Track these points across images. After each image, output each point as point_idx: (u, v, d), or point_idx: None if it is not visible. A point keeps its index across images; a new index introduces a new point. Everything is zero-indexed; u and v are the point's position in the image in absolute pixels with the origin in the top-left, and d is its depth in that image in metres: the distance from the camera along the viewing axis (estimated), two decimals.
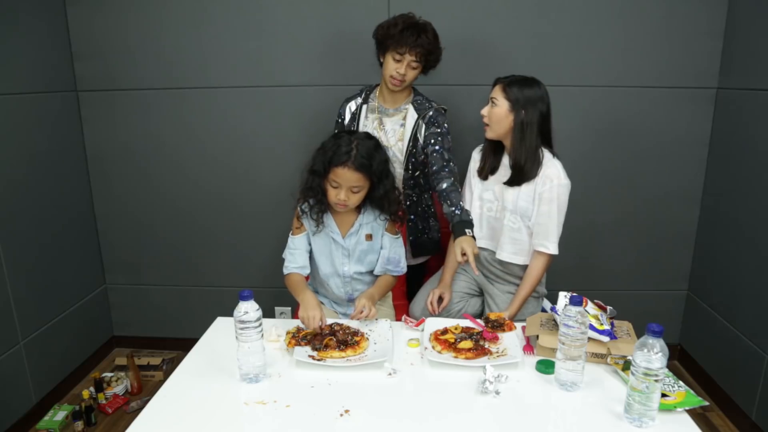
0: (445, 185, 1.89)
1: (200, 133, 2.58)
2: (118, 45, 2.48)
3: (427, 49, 1.90)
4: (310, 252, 1.81)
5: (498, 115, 1.79)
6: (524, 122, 1.79)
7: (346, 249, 1.77)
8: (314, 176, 1.66)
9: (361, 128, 2.06)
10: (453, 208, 1.83)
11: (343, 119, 2.10)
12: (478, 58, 2.38)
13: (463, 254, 1.71)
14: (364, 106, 2.06)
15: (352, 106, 2.09)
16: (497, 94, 1.80)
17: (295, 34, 2.42)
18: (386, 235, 1.79)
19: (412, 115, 2.02)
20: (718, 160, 2.40)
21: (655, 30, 2.32)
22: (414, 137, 2.02)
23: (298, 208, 1.75)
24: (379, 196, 1.69)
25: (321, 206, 1.70)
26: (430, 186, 2.04)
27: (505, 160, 1.89)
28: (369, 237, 1.77)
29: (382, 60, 1.98)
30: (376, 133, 2.00)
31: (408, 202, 2.09)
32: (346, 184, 1.62)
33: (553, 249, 1.84)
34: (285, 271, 1.76)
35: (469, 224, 1.80)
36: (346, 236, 1.76)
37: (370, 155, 1.62)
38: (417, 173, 2.07)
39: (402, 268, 1.83)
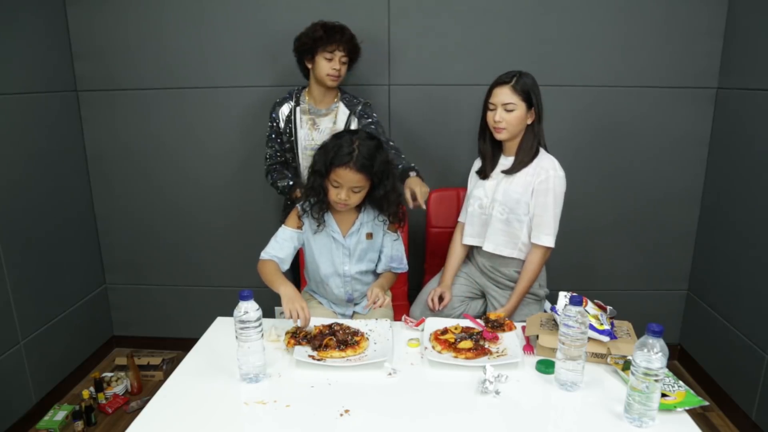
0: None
1: (200, 132, 2.58)
2: (118, 45, 2.48)
3: (351, 43, 2.08)
4: (311, 254, 1.81)
5: (518, 117, 1.79)
6: (539, 115, 1.81)
7: (347, 248, 1.77)
8: (316, 176, 1.67)
9: (298, 130, 2.14)
10: (397, 165, 1.99)
11: (278, 123, 2.17)
12: (478, 58, 2.38)
13: (414, 200, 1.82)
14: (297, 109, 2.15)
15: (284, 110, 2.16)
16: (510, 98, 1.77)
17: (295, 34, 2.41)
18: (387, 234, 1.79)
19: (343, 112, 2.16)
20: (718, 160, 2.40)
21: (655, 30, 2.31)
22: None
23: (299, 206, 1.75)
24: (379, 196, 1.69)
25: (322, 205, 1.71)
26: None
27: (503, 159, 1.90)
28: (369, 236, 1.78)
29: (309, 66, 2.11)
30: (310, 134, 2.14)
31: None
32: (347, 184, 1.62)
33: (547, 241, 1.83)
34: (264, 256, 1.74)
35: (413, 168, 2.01)
36: (346, 235, 1.76)
37: (372, 156, 1.62)
38: None
39: (405, 265, 1.85)
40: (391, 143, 2.17)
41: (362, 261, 1.80)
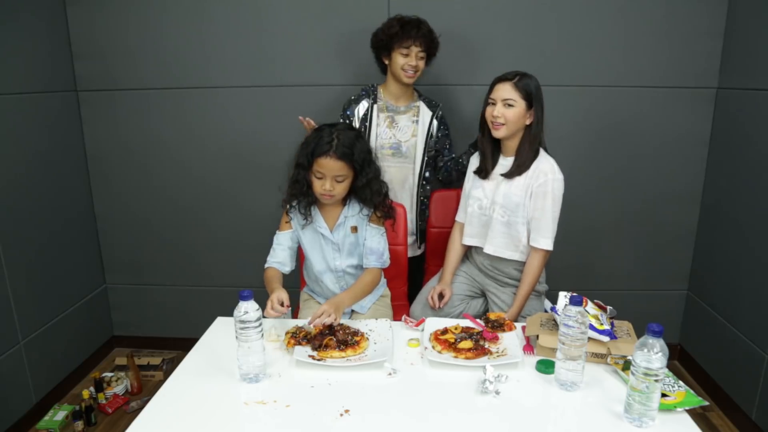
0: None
1: (200, 133, 2.58)
2: (118, 45, 2.48)
3: (429, 38, 2.05)
4: (304, 250, 1.82)
5: (517, 114, 1.78)
6: (538, 117, 1.80)
7: (336, 243, 1.78)
8: (299, 169, 1.70)
9: (374, 128, 2.14)
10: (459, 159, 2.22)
11: (351, 121, 2.16)
12: (478, 58, 2.38)
13: None
14: (375, 106, 2.14)
15: (360, 108, 2.15)
16: (510, 94, 1.77)
17: (295, 33, 2.42)
18: (369, 225, 1.79)
19: (425, 113, 2.18)
20: (718, 160, 2.40)
21: (655, 30, 2.31)
22: (429, 134, 2.19)
23: (287, 205, 1.77)
24: (362, 185, 1.70)
25: (308, 199, 1.72)
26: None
27: (502, 160, 1.90)
28: (354, 229, 1.78)
29: (387, 62, 2.09)
30: (389, 132, 2.14)
31: (423, 197, 2.24)
32: (329, 173, 1.64)
33: (545, 244, 1.83)
34: (266, 265, 1.78)
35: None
36: (333, 230, 1.77)
37: (352, 144, 1.65)
38: (428, 169, 2.22)
39: (385, 260, 1.81)
40: (453, 156, 2.26)
41: (352, 255, 1.81)
